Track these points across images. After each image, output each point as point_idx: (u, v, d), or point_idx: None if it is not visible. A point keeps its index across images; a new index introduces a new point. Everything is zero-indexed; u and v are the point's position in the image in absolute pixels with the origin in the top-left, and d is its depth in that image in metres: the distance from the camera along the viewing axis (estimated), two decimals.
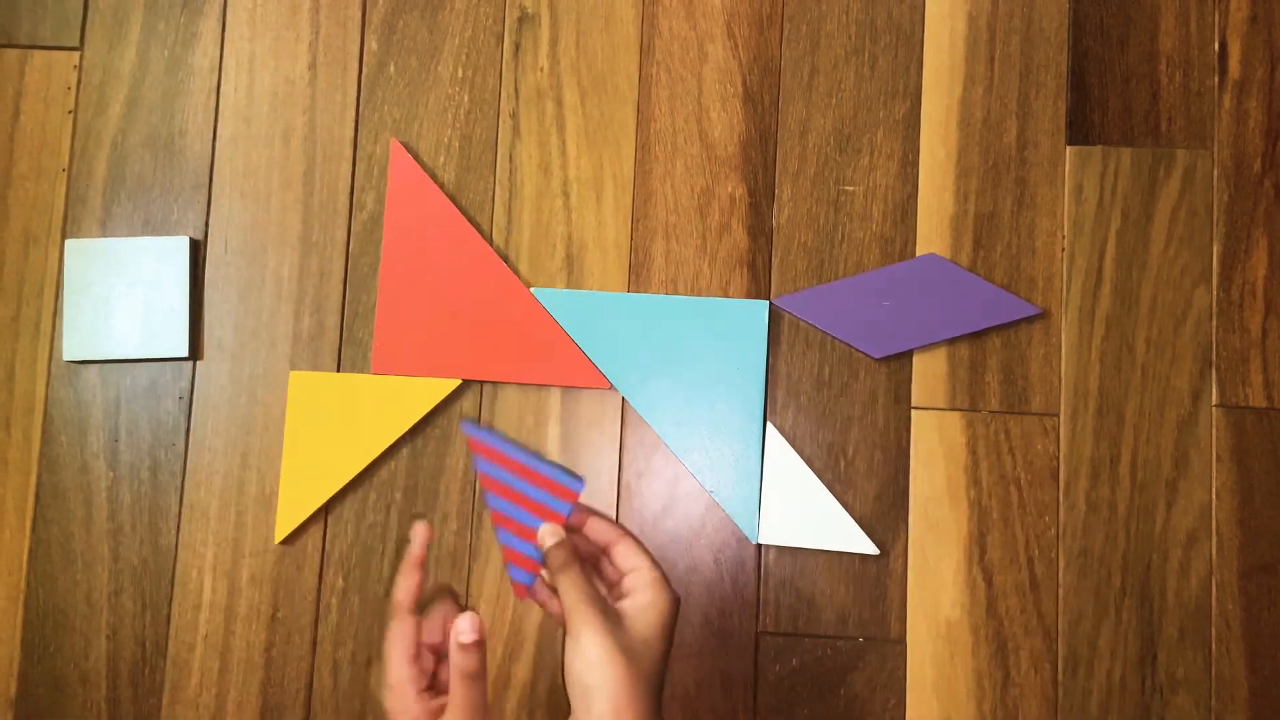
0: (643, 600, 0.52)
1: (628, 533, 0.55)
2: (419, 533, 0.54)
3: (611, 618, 0.51)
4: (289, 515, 0.73)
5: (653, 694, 0.50)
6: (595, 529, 0.56)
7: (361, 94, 0.78)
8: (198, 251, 0.76)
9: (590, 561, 0.57)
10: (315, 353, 0.75)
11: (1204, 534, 0.72)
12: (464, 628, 0.50)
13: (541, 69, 0.77)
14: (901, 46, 0.77)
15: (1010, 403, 0.73)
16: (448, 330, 0.74)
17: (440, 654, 0.53)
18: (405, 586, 0.53)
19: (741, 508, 0.72)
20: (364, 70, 0.78)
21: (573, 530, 0.55)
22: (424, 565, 0.54)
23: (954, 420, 0.73)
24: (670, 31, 0.77)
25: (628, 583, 0.54)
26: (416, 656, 0.52)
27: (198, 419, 0.75)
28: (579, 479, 0.54)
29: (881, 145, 0.76)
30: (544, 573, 0.55)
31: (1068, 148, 0.75)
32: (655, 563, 0.54)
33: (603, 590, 0.56)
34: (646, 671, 0.50)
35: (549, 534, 0.54)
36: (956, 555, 0.72)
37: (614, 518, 0.59)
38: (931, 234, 0.75)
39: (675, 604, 0.54)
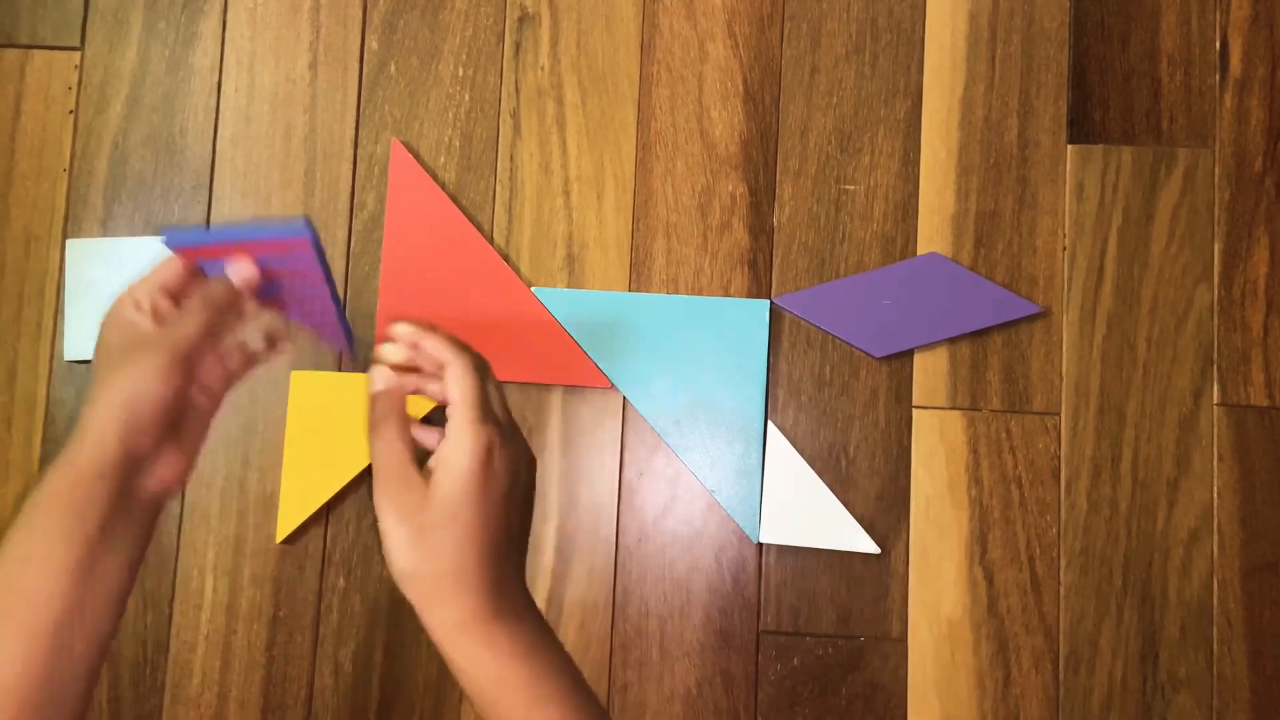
0: (445, 455, 0.41)
1: (463, 351, 0.45)
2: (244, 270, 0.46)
3: (415, 493, 0.40)
4: (290, 515, 0.73)
5: (471, 586, 0.40)
6: (429, 351, 0.46)
7: (362, 93, 0.78)
8: None
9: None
10: (316, 353, 0.75)
11: (1205, 533, 0.72)
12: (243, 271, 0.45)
13: (542, 68, 0.77)
14: (902, 45, 0.77)
15: (1011, 402, 0.73)
16: (449, 329, 0.74)
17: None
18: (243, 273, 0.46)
19: (742, 507, 0.72)
20: (365, 70, 0.78)
21: (415, 349, 0.46)
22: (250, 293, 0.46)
23: (955, 419, 0.73)
24: (671, 30, 0.77)
25: (449, 422, 0.42)
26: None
27: None
28: (298, 224, 0.45)
29: (882, 144, 0.76)
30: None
31: (1069, 146, 0.75)
32: (478, 393, 0.42)
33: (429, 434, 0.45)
34: (452, 559, 0.40)
35: (377, 377, 0.45)
36: (958, 554, 0.72)
37: (485, 362, 0.46)
38: (932, 233, 0.75)
39: (480, 454, 0.41)
